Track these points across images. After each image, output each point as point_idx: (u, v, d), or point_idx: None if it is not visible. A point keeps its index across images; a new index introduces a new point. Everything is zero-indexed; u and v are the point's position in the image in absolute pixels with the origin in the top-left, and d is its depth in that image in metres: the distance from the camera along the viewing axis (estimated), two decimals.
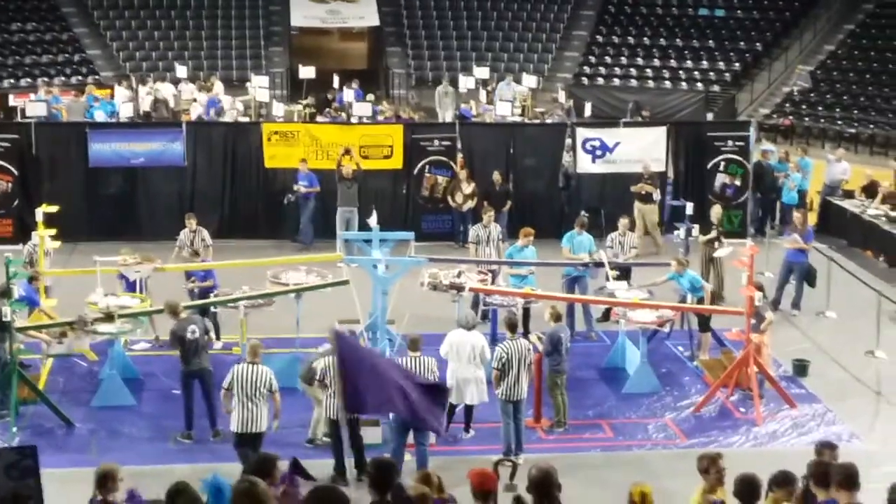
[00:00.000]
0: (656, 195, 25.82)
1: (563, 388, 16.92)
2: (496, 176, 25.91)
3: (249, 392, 14.76)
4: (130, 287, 19.61)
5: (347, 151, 25.46)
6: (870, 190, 27.45)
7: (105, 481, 10.43)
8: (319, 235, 25.63)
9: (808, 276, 22.06)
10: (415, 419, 13.54)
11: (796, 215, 22.86)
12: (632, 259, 21.34)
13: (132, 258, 19.75)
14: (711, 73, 40.51)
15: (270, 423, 15.11)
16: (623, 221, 21.79)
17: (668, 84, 40.29)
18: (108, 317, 17.39)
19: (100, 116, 29.86)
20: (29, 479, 9.76)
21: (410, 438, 15.06)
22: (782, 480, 10.15)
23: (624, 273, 20.66)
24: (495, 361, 15.81)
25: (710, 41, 41.60)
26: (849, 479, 9.40)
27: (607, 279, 20.09)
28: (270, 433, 15.31)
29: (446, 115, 33.43)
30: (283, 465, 9.67)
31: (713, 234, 22.07)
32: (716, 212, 22.95)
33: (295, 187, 25.54)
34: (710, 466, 10.64)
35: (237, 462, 14.32)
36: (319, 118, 31.62)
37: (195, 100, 33.09)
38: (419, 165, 26.63)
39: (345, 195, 25.11)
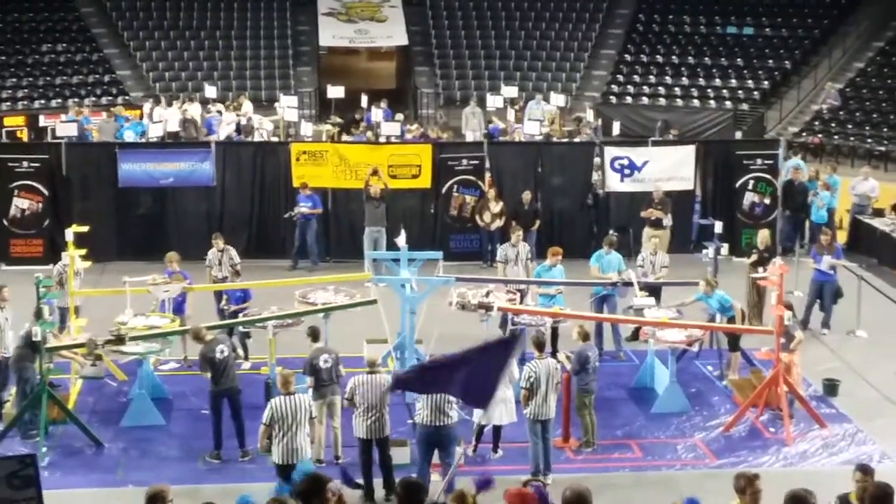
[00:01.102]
0: (667, 220, 25.23)
1: (591, 408, 16.88)
2: (525, 195, 25.88)
3: (291, 423, 14.43)
4: (172, 308, 19.64)
5: (375, 172, 25.47)
6: None
7: (154, 502, 10.37)
8: (349, 255, 25.65)
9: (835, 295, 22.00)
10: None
11: (822, 236, 22.75)
12: (662, 278, 21.27)
13: (163, 278, 19.81)
14: (740, 92, 40.40)
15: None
16: (654, 241, 21.73)
17: (696, 102, 40.21)
18: (119, 339, 17.43)
19: (129, 137, 29.99)
20: (30, 489, 9.81)
21: (436, 458, 15.04)
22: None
23: (654, 292, 20.59)
24: (523, 381, 15.78)
25: (739, 59, 41.49)
26: (881, 499, 9.33)
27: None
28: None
29: (474, 136, 33.29)
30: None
31: (755, 257, 21.77)
32: (763, 236, 22.46)
33: (296, 209, 25.55)
34: (747, 486, 10.55)
35: (266, 482, 14.34)
36: (346, 137, 31.67)
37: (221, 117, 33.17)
38: (447, 185, 26.63)
39: (372, 215, 25.13)
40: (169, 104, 34.51)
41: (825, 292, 21.91)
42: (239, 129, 32.07)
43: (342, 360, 16.57)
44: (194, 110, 33.36)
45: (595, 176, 27.20)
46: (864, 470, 11.43)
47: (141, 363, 17.85)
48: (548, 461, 15.80)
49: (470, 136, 33.01)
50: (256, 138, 31.03)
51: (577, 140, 31.55)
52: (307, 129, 31.78)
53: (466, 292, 19.34)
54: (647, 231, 25.08)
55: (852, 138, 37.33)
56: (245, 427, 16.26)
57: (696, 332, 18.86)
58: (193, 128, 32.13)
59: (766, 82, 40.50)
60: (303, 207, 25.52)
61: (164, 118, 32.03)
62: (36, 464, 9.90)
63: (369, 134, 31.54)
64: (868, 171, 29.81)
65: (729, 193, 27.24)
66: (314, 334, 16.76)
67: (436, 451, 14.97)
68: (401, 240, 18.77)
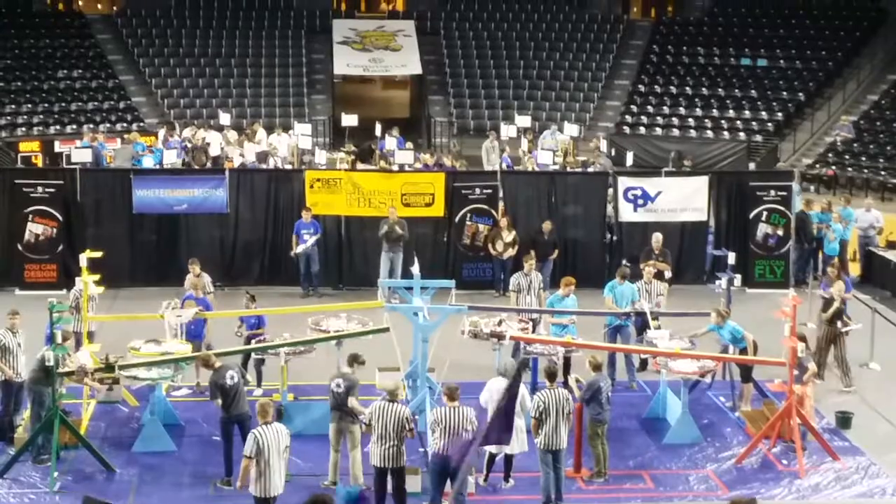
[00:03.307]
0: (668, 273, 23.73)
1: (603, 438, 16.83)
2: (546, 225, 25.87)
3: (274, 454, 14.23)
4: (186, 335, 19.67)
5: (393, 211, 25.58)
6: None
7: None
8: (362, 283, 25.70)
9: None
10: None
11: (830, 268, 22.70)
12: (661, 307, 21.23)
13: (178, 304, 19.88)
14: (754, 123, 40.48)
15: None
16: (648, 270, 21.69)
17: (710, 134, 40.29)
18: (109, 367, 17.48)
19: (148, 163, 30.06)
20: None
21: (448, 487, 15.01)
22: None
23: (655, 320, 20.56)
24: (533, 410, 15.75)
25: (753, 91, 41.61)
26: None
27: (642, 329, 20.10)
28: (309, 479, 15.36)
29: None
30: None
31: (833, 309, 20.69)
32: (839, 288, 21.08)
33: (303, 245, 25.51)
34: None
35: None
36: (361, 166, 31.73)
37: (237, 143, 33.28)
38: (461, 213, 26.66)
39: (391, 238, 25.28)
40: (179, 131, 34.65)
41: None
42: (259, 158, 32.18)
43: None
44: (212, 138, 33.44)
45: (609, 208, 27.20)
46: None
47: (153, 389, 17.86)
48: (559, 491, 15.75)
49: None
50: (270, 164, 31.09)
51: (590, 170, 31.56)
52: (321, 156, 31.85)
53: (479, 321, 19.35)
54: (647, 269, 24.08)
55: (866, 170, 37.38)
56: None
57: (709, 364, 18.82)
58: (204, 155, 32.20)
59: (779, 114, 40.59)
60: (306, 237, 25.52)
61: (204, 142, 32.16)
62: None
63: (382, 162, 31.59)
64: (871, 203, 29.83)
65: (742, 224, 27.22)
66: (353, 359, 16.68)
67: (448, 481, 14.94)
68: (414, 268, 18.79)
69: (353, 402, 16.03)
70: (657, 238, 24.12)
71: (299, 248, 25.49)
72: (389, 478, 15.05)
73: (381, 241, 25.44)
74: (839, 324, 20.61)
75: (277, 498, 14.45)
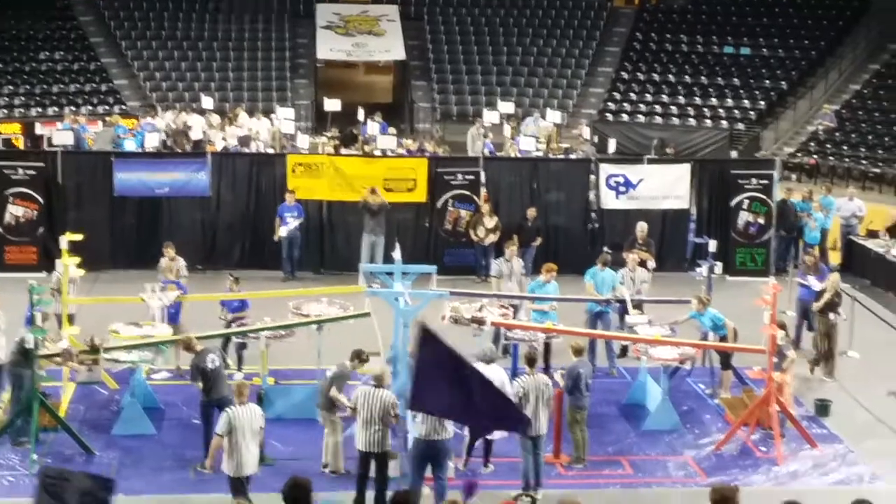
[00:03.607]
0: (651, 263, 23.07)
1: (583, 425, 16.87)
2: (530, 211, 25.93)
3: (246, 433, 14.30)
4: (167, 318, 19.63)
5: (374, 191, 25.52)
6: (894, 230, 27.35)
7: None
8: (344, 267, 25.70)
9: None
10: (478, 426, 13.46)
11: (807, 257, 22.78)
12: (644, 294, 21.28)
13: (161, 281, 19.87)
14: (736, 111, 40.52)
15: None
16: (632, 258, 21.73)
17: (692, 121, 40.31)
18: (94, 349, 17.42)
19: (129, 147, 29.93)
20: None
21: (429, 472, 15.02)
22: None
23: (639, 308, 20.64)
24: (513, 396, 15.77)
25: (735, 79, 41.62)
26: None
27: (623, 315, 20.17)
28: (290, 464, 15.37)
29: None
30: None
31: (825, 301, 20.70)
32: (834, 279, 21.19)
33: (286, 228, 25.56)
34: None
35: (254, 493, 14.31)
36: (344, 151, 31.67)
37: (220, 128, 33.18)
38: (443, 199, 26.66)
39: (371, 222, 25.33)
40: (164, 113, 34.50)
41: (810, 312, 21.93)
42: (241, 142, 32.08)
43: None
44: (194, 121, 33.32)
45: (591, 195, 27.24)
46: None
47: (133, 372, 17.84)
48: (538, 476, 15.78)
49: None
50: (252, 149, 31.01)
51: (573, 157, 31.58)
52: (303, 141, 31.78)
53: (460, 306, 19.36)
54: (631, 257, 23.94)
55: (847, 159, 37.46)
56: None
57: (689, 350, 18.87)
58: (185, 138, 32.10)
59: (762, 102, 40.63)
60: (290, 220, 25.50)
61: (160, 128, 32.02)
62: (112, 490, 9.81)
63: (367, 147, 31.55)
64: (853, 192, 29.94)
65: (724, 212, 27.30)
66: (356, 355, 16.76)
67: (428, 466, 14.96)
68: (395, 253, 18.78)
69: (334, 391, 16.07)
70: (642, 227, 23.98)
71: (283, 231, 25.48)
72: (373, 462, 15.07)
73: (362, 223, 25.43)
74: (831, 315, 20.61)
75: (252, 478, 14.49)
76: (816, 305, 20.87)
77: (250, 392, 15.05)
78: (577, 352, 16.94)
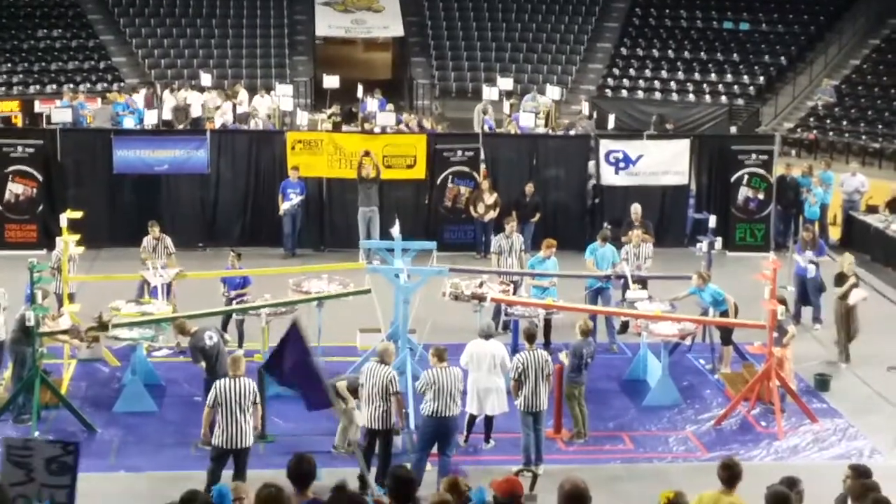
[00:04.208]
0: (651, 242, 22.49)
1: (581, 399, 16.91)
2: (528, 187, 25.90)
3: (234, 406, 14.31)
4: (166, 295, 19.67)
5: (367, 153, 25.47)
6: (894, 205, 27.35)
7: None
8: (344, 244, 25.71)
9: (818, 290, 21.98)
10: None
11: (805, 232, 22.77)
12: (647, 270, 21.29)
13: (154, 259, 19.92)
14: (735, 87, 40.42)
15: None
16: (636, 234, 21.72)
17: (691, 97, 40.23)
18: (102, 325, 17.41)
19: (129, 124, 29.91)
20: (65, 476, 9.83)
21: (434, 449, 15.07)
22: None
23: (643, 284, 20.64)
24: (512, 371, 15.82)
25: (735, 54, 41.51)
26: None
27: (625, 290, 20.19)
28: (290, 440, 15.39)
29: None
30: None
31: (848, 286, 20.24)
32: (848, 260, 20.99)
33: (289, 203, 25.55)
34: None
35: (257, 469, 14.37)
36: (345, 128, 31.66)
37: (219, 107, 33.18)
38: (442, 176, 26.64)
39: (366, 195, 25.27)
40: (167, 91, 34.50)
41: (808, 287, 21.94)
42: (235, 118, 32.09)
43: (335, 349, 16.58)
44: (193, 99, 33.34)
45: (591, 170, 27.20)
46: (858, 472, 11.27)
47: (134, 349, 17.87)
48: (539, 452, 15.82)
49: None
50: (252, 126, 31.00)
51: (572, 133, 31.54)
52: (302, 118, 31.77)
53: (460, 283, 19.37)
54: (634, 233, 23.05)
55: (847, 135, 37.41)
56: None
57: (689, 326, 18.89)
58: (184, 116, 32.11)
59: (761, 78, 40.54)
60: (292, 196, 25.50)
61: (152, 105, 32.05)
62: (77, 453, 9.89)
63: (367, 125, 31.52)
64: (857, 167, 29.93)
65: (723, 188, 27.29)
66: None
67: (436, 444, 15.01)
68: (395, 230, 18.77)
69: (341, 384, 15.97)
70: (636, 210, 23.48)
71: (286, 205, 25.47)
72: (378, 439, 15.08)
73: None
74: (851, 299, 20.23)
75: (248, 453, 14.52)
76: (840, 291, 20.35)
77: (247, 368, 15.09)
78: (585, 333, 16.93)
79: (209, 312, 18.46)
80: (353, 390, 15.71)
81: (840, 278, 20.54)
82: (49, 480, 9.80)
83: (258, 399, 14.64)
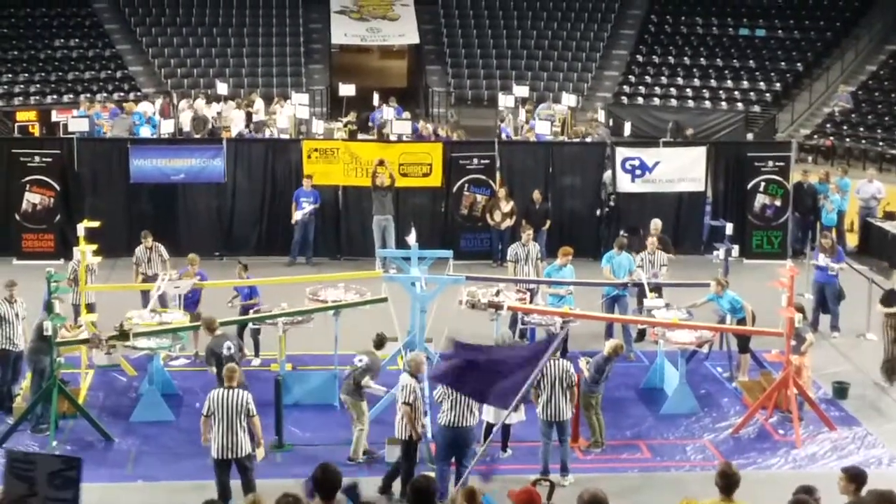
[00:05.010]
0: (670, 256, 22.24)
1: (598, 409, 16.88)
2: (536, 194, 25.90)
3: (229, 416, 14.38)
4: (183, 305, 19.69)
5: (382, 162, 25.49)
6: None
7: None
8: (360, 253, 25.73)
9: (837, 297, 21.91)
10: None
11: (823, 239, 22.69)
12: (663, 277, 21.24)
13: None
14: (752, 94, 40.38)
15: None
16: (651, 240, 21.69)
17: (707, 104, 40.20)
18: (123, 334, 17.42)
19: (145, 133, 29.99)
20: (69, 490, 9.85)
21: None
22: None
23: (658, 292, 20.60)
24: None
25: (751, 61, 41.48)
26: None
27: (641, 298, 20.14)
28: (308, 449, 15.38)
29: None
30: None
31: None
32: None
33: (301, 212, 25.56)
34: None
35: (272, 478, 14.37)
36: (361, 136, 31.69)
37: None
38: (458, 184, 26.64)
39: (380, 203, 25.25)
40: (182, 100, 34.60)
41: (826, 294, 21.87)
42: (250, 127, 32.15)
43: (350, 359, 16.58)
44: (208, 109, 33.41)
45: (607, 178, 27.14)
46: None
47: (151, 359, 17.89)
48: (565, 463, 15.74)
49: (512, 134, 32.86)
50: (268, 135, 31.05)
51: (588, 140, 31.52)
52: (318, 126, 31.81)
53: (476, 291, 19.33)
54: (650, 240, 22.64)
55: (863, 141, 37.32)
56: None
57: (707, 334, 18.85)
58: (203, 126, 32.18)
59: (777, 84, 40.48)
60: (305, 205, 25.52)
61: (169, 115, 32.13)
62: (80, 468, 9.92)
63: (384, 132, 31.54)
64: (873, 174, 29.89)
65: (740, 195, 27.22)
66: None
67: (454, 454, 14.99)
68: (411, 238, 18.76)
69: (367, 380, 16.00)
70: (656, 225, 23.08)
71: (298, 215, 25.49)
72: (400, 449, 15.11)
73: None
74: None
75: (247, 459, 14.50)
76: (888, 311, 19.69)
77: (244, 378, 15.29)
78: (615, 353, 16.84)
79: (230, 321, 18.47)
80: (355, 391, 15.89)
81: (889, 296, 19.97)
82: (53, 494, 9.82)
83: (253, 412, 14.60)
